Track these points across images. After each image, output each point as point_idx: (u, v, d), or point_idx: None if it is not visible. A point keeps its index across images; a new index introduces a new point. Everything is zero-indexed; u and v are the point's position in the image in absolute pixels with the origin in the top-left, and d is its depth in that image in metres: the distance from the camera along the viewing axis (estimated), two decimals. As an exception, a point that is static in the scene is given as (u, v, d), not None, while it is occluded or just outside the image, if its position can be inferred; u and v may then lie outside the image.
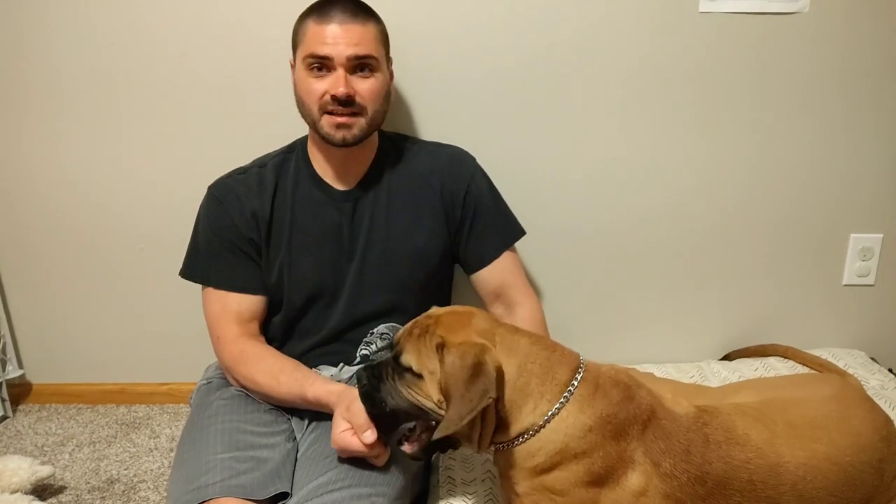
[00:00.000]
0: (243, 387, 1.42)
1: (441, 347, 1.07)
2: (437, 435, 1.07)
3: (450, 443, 1.20)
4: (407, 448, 1.18)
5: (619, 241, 1.82)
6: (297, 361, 1.40)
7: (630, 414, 1.08)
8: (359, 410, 1.17)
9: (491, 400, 1.04)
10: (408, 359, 1.10)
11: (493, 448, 1.14)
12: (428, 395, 1.08)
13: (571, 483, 1.07)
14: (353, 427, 1.19)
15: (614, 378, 1.13)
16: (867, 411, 1.19)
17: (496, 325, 1.15)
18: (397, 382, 1.11)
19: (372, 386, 1.14)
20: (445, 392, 1.06)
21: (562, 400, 1.08)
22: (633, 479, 1.07)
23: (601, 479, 1.07)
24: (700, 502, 1.06)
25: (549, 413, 1.08)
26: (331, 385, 1.31)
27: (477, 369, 1.04)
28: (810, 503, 1.07)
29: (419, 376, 1.09)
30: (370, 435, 1.16)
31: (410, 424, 1.18)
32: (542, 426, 1.08)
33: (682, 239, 1.82)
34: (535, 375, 1.10)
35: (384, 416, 1.15)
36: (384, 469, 1.24)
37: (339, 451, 1.23)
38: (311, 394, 1.31)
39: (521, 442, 1.10)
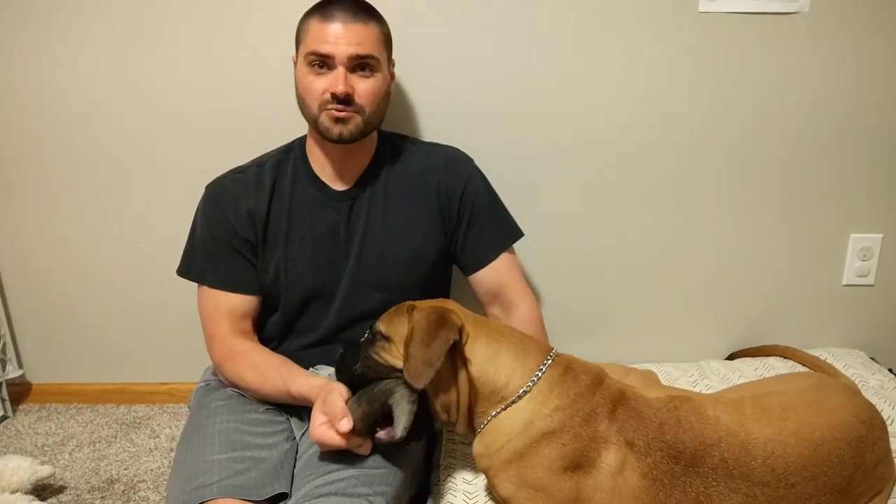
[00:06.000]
0: (232, 384, 1.42)
1: (411, 309, 1.19)
2: (408, 378, 1.12)
3: (426, 428, 1.21)
4: (383, 435, 1.20)
5: (618, 241, 1.82)
6: (284, 358, 1.40)
7: (599, 396, 1.15)
8: (335, 401, 1.19)
9: (452, 341, 1.12)
10: (380, 325, 1.21)
11: (472, 433, 1.21)
12: (396, 355, 1.17)
13: (547, 469, 1.11)
14: (329, 419, 1.19)
15: (585, 366, 1.21)
16: (846, 398, 1.23)
17: (468, 311, 1.24)
18: (368, 348, 1.21)
19: (347, 358, 1.23)
20: (407, 343, 1.13)
21: (533, 378, 1.16)
22: (609, 459, 1.11)
23: (576, 464, 1.10)
24: (677, 481, 1.09)
25: (521, 390, 1.15)
26: (313, 379, 1.31)
27: (440, 321, 1.14)
28: (783, 477, 1.09)
29: (388, 339, 1.19)
30: (346, 423, 1.16)
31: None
32: (514, 402, 1.15)
33: (681, 239, 1.82)
34: (505, 349, 1.18)
35: (362, 405, 1.17)
36: (383, 469, 1.24)
37: (319, 446, 1.23)
38: (294, 389, 1.31)
39: (493, 417, 1.16)
